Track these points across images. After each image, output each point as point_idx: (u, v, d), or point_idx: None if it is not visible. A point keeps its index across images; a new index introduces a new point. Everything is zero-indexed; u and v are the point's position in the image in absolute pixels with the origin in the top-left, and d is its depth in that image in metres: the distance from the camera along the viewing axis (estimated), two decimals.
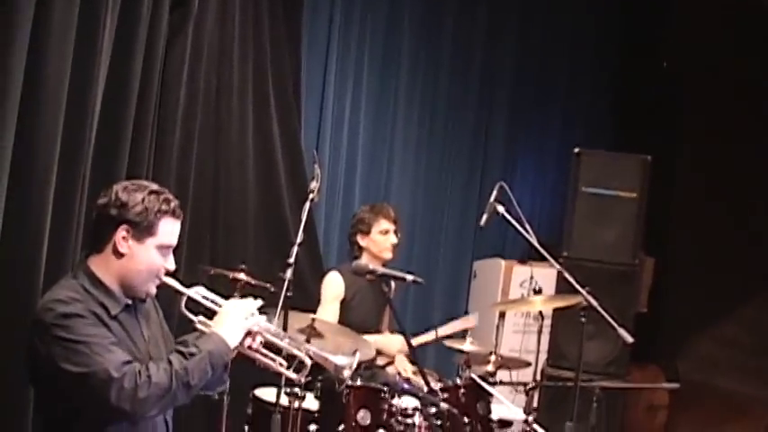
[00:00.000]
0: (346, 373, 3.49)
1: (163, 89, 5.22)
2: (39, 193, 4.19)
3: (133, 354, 3.07)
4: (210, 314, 3.32)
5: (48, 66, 4.12)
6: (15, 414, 4.15)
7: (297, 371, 3.43)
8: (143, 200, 3.09)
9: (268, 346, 3.36)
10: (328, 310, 5.53)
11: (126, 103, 4.80)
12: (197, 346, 3.12)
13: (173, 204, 3.17)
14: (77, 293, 3.02)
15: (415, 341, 5.63)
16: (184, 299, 3.28)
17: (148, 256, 3.12)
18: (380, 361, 5.76)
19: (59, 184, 4.29)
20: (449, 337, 5.62)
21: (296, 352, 3.39)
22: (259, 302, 3.35)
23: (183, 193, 5.45)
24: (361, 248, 5.69)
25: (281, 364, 3.37)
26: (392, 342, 5.63)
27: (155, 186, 3.19)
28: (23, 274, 4.17)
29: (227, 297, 3.42)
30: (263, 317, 3.35)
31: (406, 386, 3.97)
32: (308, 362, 3.39)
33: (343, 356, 3.51)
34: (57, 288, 3.09)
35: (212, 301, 3.33)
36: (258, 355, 3.34)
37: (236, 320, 3.24)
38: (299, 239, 4.58)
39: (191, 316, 3.31)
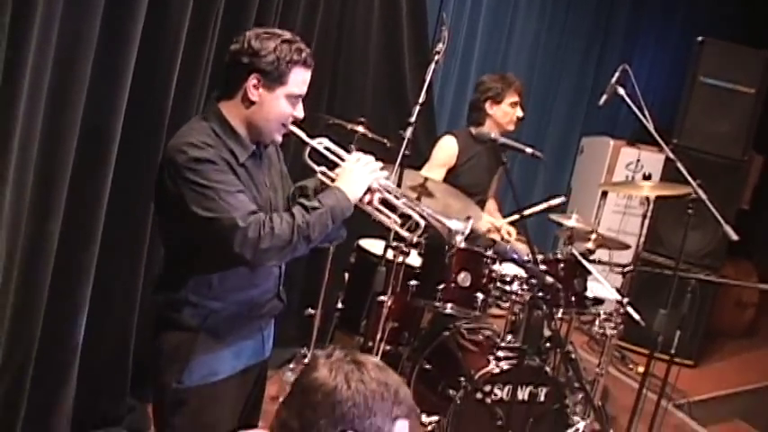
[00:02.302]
0: (459, 239, 3.52)
1: None
2: (172, 36, 4.34)
3: (255, 199, 3.15)
4: (332, 165, 3.36)
5: None
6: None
7: (410, 230, 3.48)
8: (275, 48, 3.06)
9: (385, 203, 3.39)
10: (433, 173, 5.48)
11: None
12: (319, 200, 3.16)
13: (304, 54, 3.12)
14: (209, 138, 3.06)
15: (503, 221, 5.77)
16: (308, 149, 3.32)
17: (278, 104, 3.13)
18: (483, 226, 5.84)
19: (191, 30, 4.42)
20: (535, 213, 5.70)
21: (411, 212, 3.43)
22: (380, 164, 3.35)
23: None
24: (486, 116, 5.62)
25: (395, 222, 3.43)
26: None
27: (287, 35, 3.15)
28: (152, 109, 4.36)
29: (349, 151, 3.44)
30: (384, 173, 3.37)
31: (515, 256, 4.00)
32: (422, 223, 3.43)
33: (457, 221, 3.53)
34: (189, 130, 3.12)
35: (335, 154, 3.36)
36: (374, 211, 3.38)
37: (359, 176, 3.27)
38: (420, 99, 4.59)
39: (313, 166, 3.34)
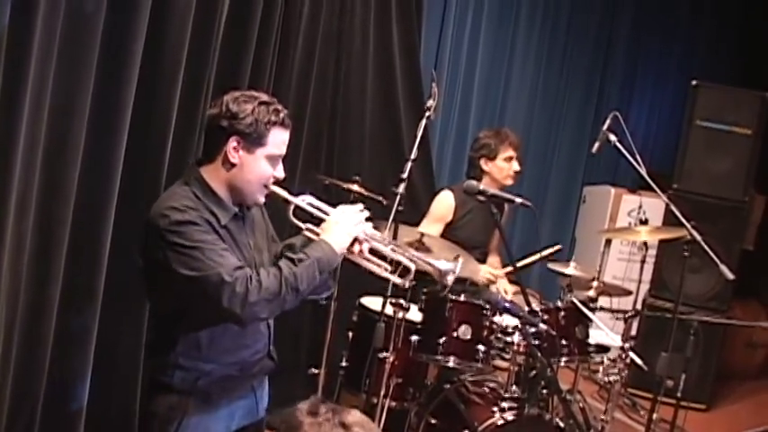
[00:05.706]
0: (450, 279, 3.55)
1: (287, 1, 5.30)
2: (165, 98, 4.42)
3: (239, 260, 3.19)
4: (318, 222, 3.40)
5: None
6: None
7: (401, 276, 3.50)
8: (253, 111, 3.13)
9: (374, 252, 3.44)
10: (430, 228, 5.57)
11: (251, 12, 4.92)
12: (305, 252, 3.22)
13: (282, 115, 3.20)
14: (190, 201, 3.11)
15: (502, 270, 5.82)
16: (292, 207, 3.37)
17: (258, 166, 3.19)
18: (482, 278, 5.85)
19: (185, 90, 4.50)
20: (532, 263, 5.74)
21: (400, 258, 3.47)
22: (366, 213, 3.41)
23: (302, 103, 5.60)
24: (482, 172, 5.65)
25: (386, 269, 3.47)
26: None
27: (264, 97, 3.23)
28: (148, 169, 4.43)
29: (335, 205, 3.48)
30: (369, 224, 3.43)
31: (507, 305, 4.02)
32: (413, 267, 3.47)
33: (446, 262, 3.58)
34: (170, 194, 3.18)
35: (320, 209, 3.41)
36: (364, 261, 3.43)
37: (344, 228, 3.32)
38: (413, 155, 4.62)
39: (299, 224, 3.40)
